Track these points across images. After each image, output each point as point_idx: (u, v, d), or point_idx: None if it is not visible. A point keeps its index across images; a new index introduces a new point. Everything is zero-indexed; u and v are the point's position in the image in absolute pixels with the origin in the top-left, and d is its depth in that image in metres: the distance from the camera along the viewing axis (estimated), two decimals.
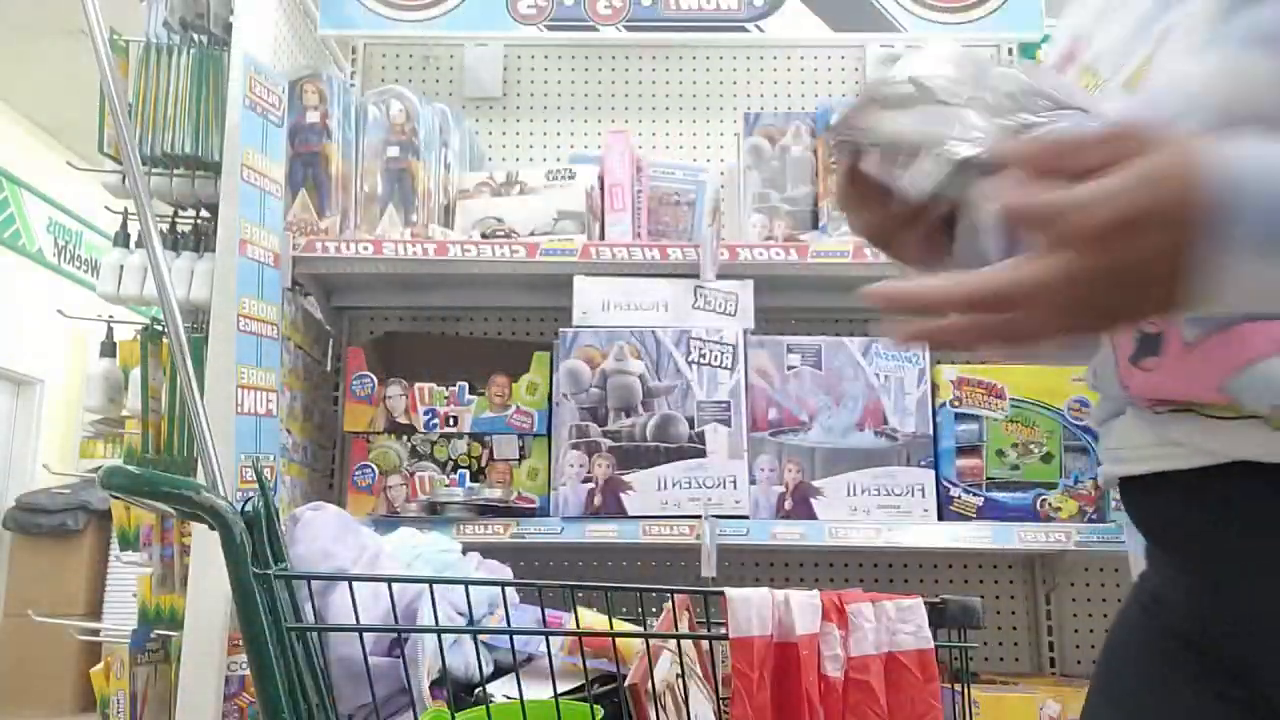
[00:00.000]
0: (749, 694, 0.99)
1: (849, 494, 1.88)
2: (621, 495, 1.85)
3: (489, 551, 2.21)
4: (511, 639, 1.08)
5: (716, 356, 1.89)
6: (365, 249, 1.94)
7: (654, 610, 1.21)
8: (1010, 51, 2.41)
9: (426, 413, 1.95)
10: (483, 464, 1.96)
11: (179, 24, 2.02)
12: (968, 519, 1.88)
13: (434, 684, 1.14)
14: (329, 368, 2.22)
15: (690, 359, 1.89)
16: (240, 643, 1.80)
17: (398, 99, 2.09)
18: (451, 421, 1.96)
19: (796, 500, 1.88)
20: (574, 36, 2.33)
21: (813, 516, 1.87)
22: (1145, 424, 0.73)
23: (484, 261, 1.95)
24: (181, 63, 1.98)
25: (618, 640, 1.06)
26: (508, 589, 1.15)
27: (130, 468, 1.04)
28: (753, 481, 1.88)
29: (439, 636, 1.11)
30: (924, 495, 1.88)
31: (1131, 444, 0.75)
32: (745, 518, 1.85)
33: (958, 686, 1.06)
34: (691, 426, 1.87)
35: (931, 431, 1.91)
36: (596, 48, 2.45)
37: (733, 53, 2.46)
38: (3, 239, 6.08)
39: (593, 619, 1.17)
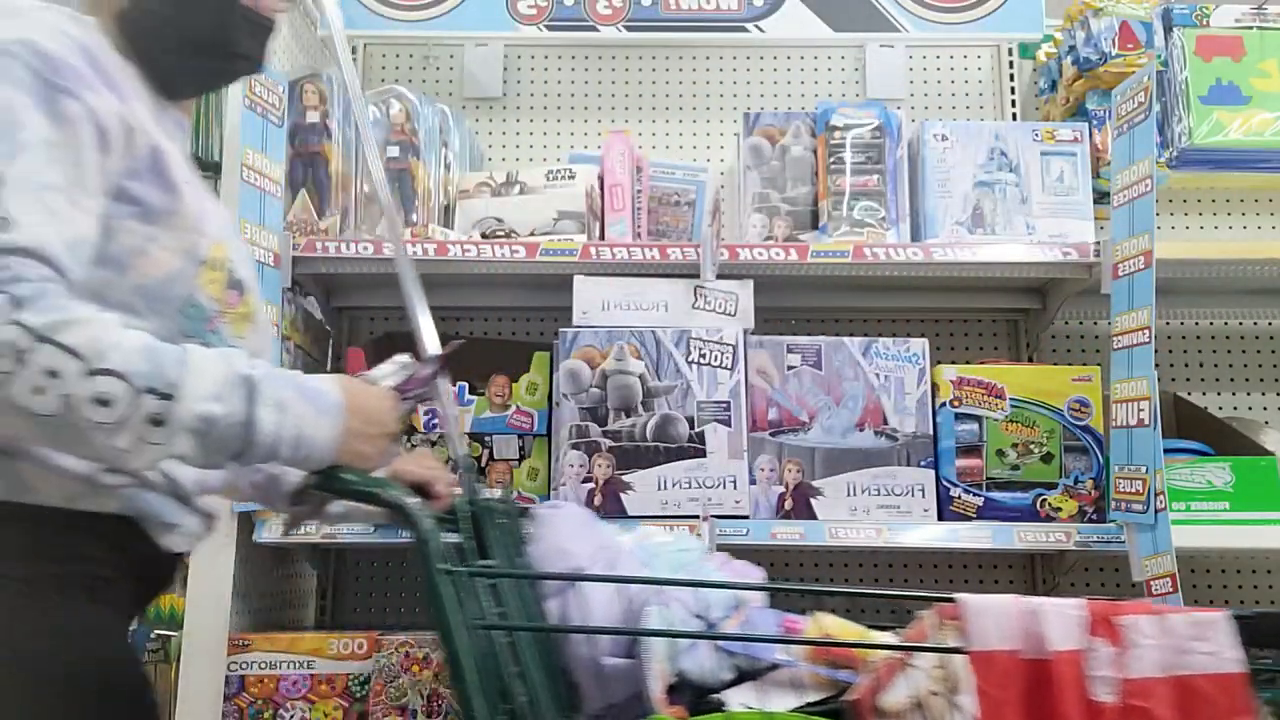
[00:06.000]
0: (995, 718, 0.89)
1: (849, 494, 1.88)
2: (621, 495, 1.85)
3: None
4: (731, 643, 1.04)
5: (716, 356, 1.89)
6: (365, 249, 1.94)
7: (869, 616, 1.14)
8: (1010, 51, 2.41)
9: (427, 413, 1.95)
10: (483, 464, 1.96)
11: None
12: (968, 519, 1.88)
13: (673, 689, 1.09)
14: (329, 368, 2.22)
15: (690, 359, 1.89)
16: (241, 643, 1.80)
17: (398, 99, 2.09)
18: None
19: (796, 500, 1.88)
20: (574, 36, 2.33)
21: (813, 517, 1.87)
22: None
23: (484, 261, 1.95)
24: None
25: (860, 650, 0.99)
26: (744, 591, 1.11)
27: (338, 469, 1.09)
28: (753, 481, 1.88)
29: (672, 639, 1.07)
30: (924, 495, 1.88)
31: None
32: (745, 518, 1.85)
33: None
34: (691, 426, 1.87)
35: (931, 431, 1.91)
36: (596, 48, 2.45)
37: (733, 53, 2.46)
38: None
39: (837, 625, 1.10)
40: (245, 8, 1.15)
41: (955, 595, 0.94)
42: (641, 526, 1.37)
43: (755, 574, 1.30)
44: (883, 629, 1.13)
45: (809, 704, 1.02)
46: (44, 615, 0.99)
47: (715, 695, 1.08)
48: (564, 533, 1.19)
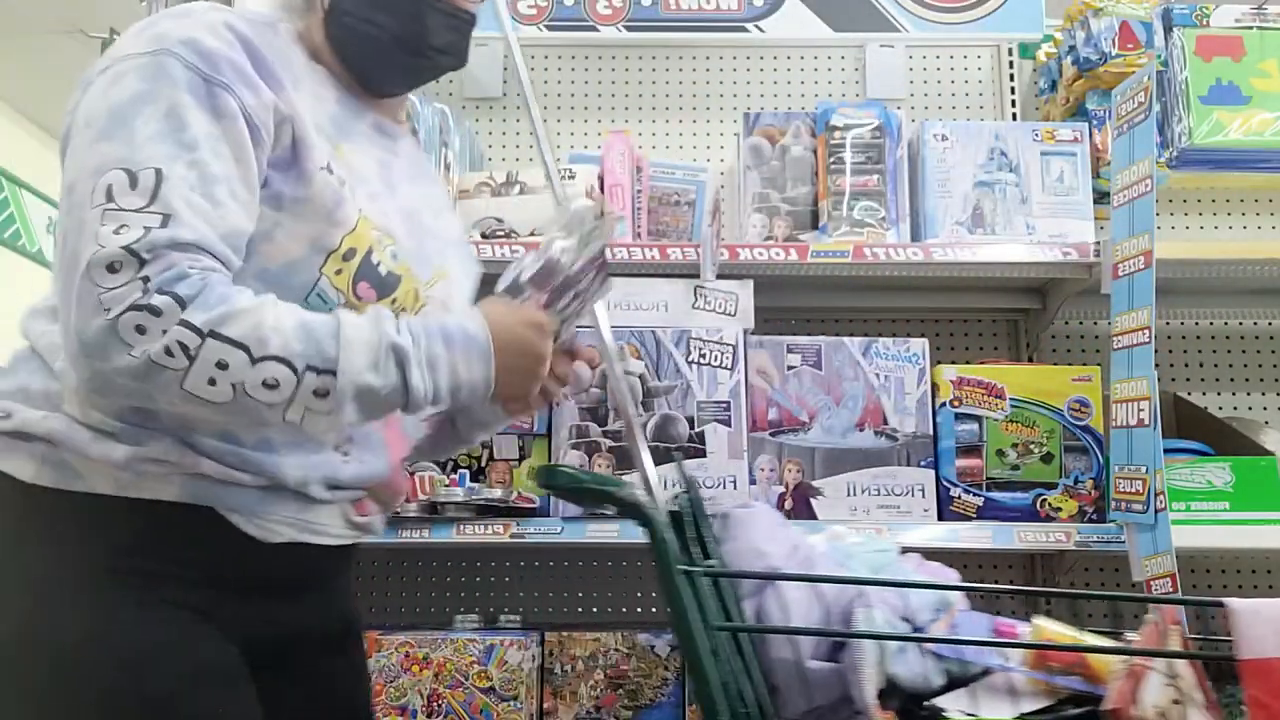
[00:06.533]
0: None
1: (849, 494, 1.88)
2: None
3: (489, 551, 2.23)
4: (952, 647, 1.01)
5: (716, 356, 1.89)
6: None
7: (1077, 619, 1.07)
8: (1010, 51, 2.41)
9: None
10: (483, 464, 1.96)
11: None
12: (968, 519, 1.88)
13: (883, 694, 1.05)
14: None
15: (690, 359, 1.89)
16: None
17: None
18: None
19: (796, 500, 1.88)
20: (574, 36, 2.33)
21: (813, 517, 1.87)
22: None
23: (484, 261, 1.94)
24: None
25: (1089, 656, 0.95)
26: (949, 592, 1.08)
27: (564, 467, 1.08)
28: (753, 481, 1.88)
29: (881, 643, 1.03)
30: (924, 495, 1.88)
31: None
32: None
33: None
34: (691, 426, 1.87)
35: (931, 431, 1.91)
36: (596, 48, 2.45)
37: (733, 53, 2.46)
38: (3, 239, 6.08)
39: (1058, 630, 1.06)
40: (440, 1, 1.20)
41: (1223, 600, 0.88)
42: (831, 527, 1.34)
43: (951, 576, 1.25)
44: (1100, 634, 1.09)
45: (1037, 711, 0.98)
46: (33, 611, 0.98)
47: (929, 701, 1.04)
48: (759, 533, 1.16)
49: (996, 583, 2.25)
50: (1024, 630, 1.06)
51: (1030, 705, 0.99)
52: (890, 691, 1.03)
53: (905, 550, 1.24)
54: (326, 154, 1.08)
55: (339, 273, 1.07)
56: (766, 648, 1.06)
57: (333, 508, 1.13)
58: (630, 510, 1.05)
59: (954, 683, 1.06)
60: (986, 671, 1.05)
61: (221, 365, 0.93)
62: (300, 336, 0.96)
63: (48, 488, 1.00)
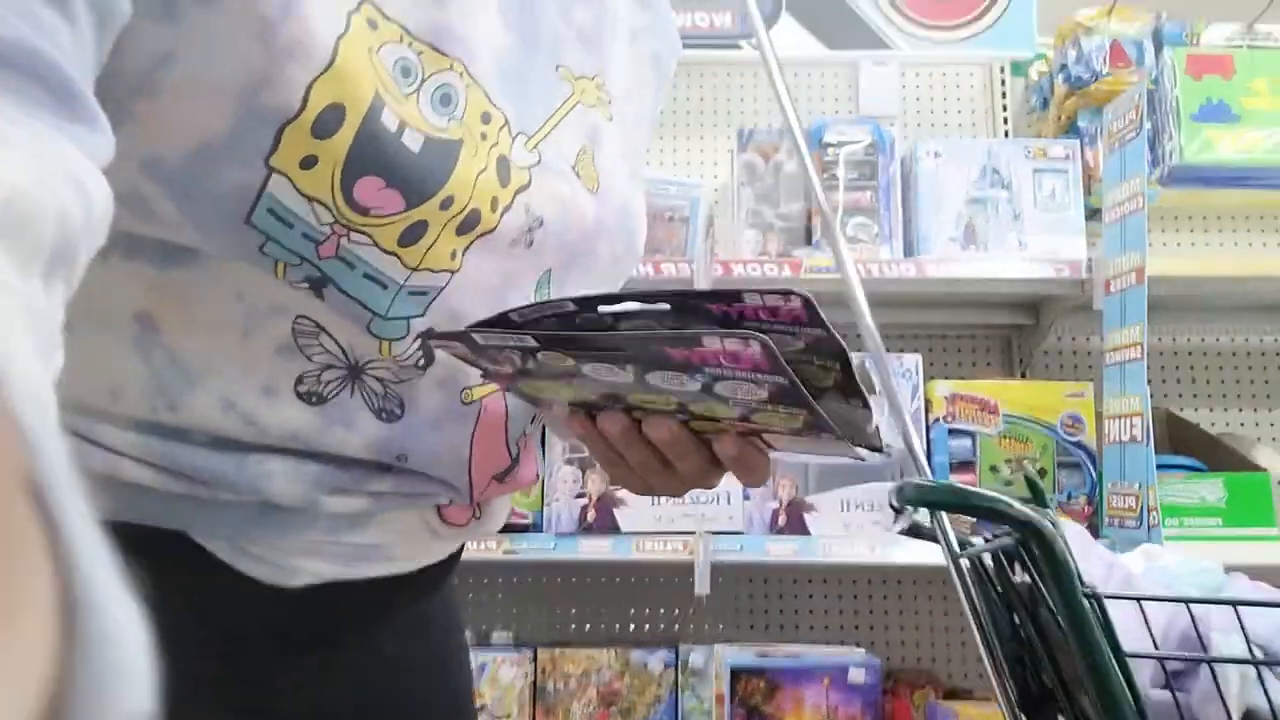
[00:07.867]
0: None
1: (842, 509, 1.88)
2: (615, 511, 1.84)
3: (481, 568, 2.22)
4: None
5: None
6: None
7: None
8: (1002, 69, 2.42)
9: None
10: None
11: None
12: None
13: None
14: None
15: None
16: None
17: None
18: None
19: (790, 516, 1.88)
20: None
21: (806, 532, 1.87)
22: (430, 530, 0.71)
23: None
24: None
25: None
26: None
27: (925, 481, 0.97)
28: (746, 497, 1.88)
29: (1241, 671, 0.93)
30: (918, 511, 1.88)
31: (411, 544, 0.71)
32: (739, 534, 1.85)
33: None
34: None
35: (925, 447, 1.91)
36: None
37: (726, 69, 2.47)
38: None
39: None
40: None
41: None
42: (1142, 545, 1.28)
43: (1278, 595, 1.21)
44: None
45: None
46: None
47: None
48: (1074, 552, 1.11)
49: None
50: None
51: None
52: None
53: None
54: None
55: (310, 166, 0.50)
56: None
57: (402, 517, 0.67)
58: (1019, 526, 0.97)
59: None
60: None
61: None
62: None
63: None
